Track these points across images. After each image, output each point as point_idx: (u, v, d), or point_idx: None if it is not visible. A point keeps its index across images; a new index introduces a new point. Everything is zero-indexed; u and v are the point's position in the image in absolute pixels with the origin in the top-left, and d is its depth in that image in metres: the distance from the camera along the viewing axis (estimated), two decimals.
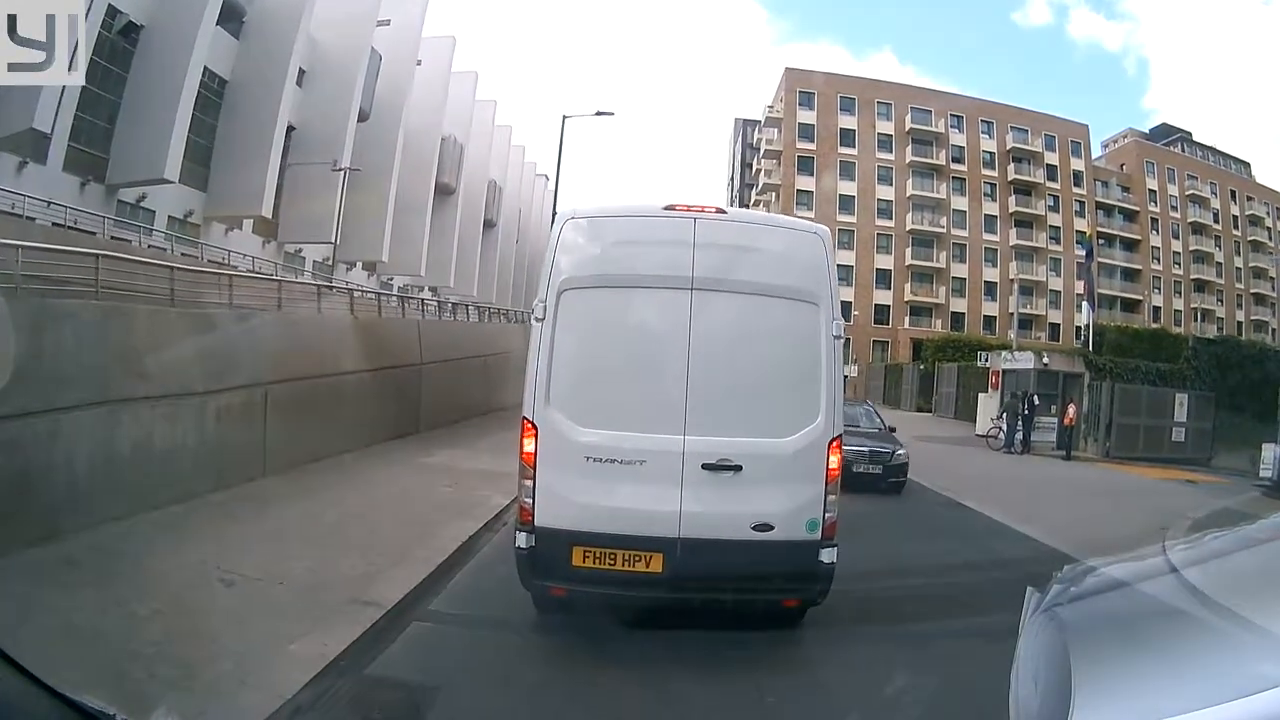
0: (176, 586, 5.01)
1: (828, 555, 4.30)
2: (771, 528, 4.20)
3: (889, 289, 52.60)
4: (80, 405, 6.14)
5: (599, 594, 4.25)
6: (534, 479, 4.29)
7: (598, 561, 4.18)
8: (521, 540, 4.30)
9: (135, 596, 4.61)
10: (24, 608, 4.25)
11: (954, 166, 54.07)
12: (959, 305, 53.21)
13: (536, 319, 4.36)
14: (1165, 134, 65.42)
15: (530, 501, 4.29)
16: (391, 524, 6.98)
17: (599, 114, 23.01)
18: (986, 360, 25.43)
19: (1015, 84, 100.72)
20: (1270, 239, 60.99)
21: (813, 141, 53.29)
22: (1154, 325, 47.49)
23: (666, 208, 4.41)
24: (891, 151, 53.62)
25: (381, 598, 4.97)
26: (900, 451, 11.54)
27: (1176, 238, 58.95)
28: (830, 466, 4.30)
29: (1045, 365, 21.72)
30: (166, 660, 3.82)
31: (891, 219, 53.01)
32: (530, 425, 4.31)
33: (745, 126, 65.95)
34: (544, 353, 4.31)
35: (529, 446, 4.31)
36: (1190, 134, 66.22)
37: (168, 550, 5.67)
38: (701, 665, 4.32)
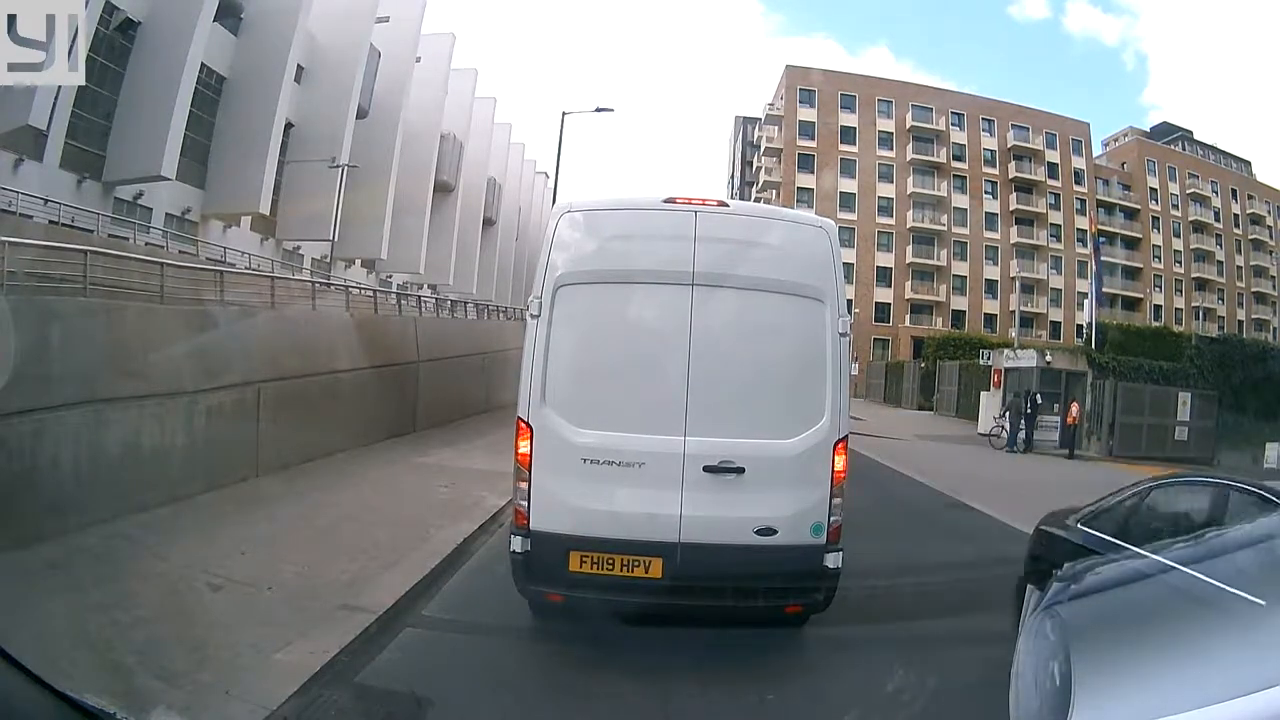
0: (162, 591, 4.89)
1: (833, 560, 4.17)
2: (775, 532, 4.07)
3: (890, 287, 52.47)
4: (66, 404, 6.01)
5: (597, 599, 4.10)
6: (529, 481, 4.16)
7: (595, 567, 4.05)
8: (517, 544, 4.16)
9: (118, 602, 4.47)
10: None
11: (955, 164, 53.90)
12: (960, 303, 53.07)
13: (532, 316, 4.21)
14: (1166, 132, 65.30)
15: (525, 504, 4.16)
16: (385, 526, 6.85)
17: (599, 110, 23.03)
18: (988, 358, 25.30)
19: (1013, 79, 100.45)
20: (1271, 237, 60.86)
21: (813, 139, 53.13)
22: (1155, 324, 47.29)
23: (666, 200, 4.27)
24: (892, 149, 53.48)
25: (373, 603, 4.85)
26: None
27: (1178, 236, 58.80)
28: (836, 469, 4.17)
29: (1048, 364, 21.62)
30: (148, 669, 3.70)
31: (892, 217, 52.90)
32: (525, 426, 4.17)
33: (745, 124, 65.80)
34: (539, 351, 4.17)
35: (524, 448, 4.18)
36: (1191, 132, 66.18)
37: (155, 553, 5.55)
38: (702, 668, 4.24)
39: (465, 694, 4.05)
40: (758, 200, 51.92)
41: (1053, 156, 55.46)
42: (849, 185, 52.54)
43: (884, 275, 52.44)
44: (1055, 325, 53.60)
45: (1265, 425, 18.96)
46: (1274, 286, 60.08)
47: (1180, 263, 58.47)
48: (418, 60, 35.39)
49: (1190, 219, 59.00)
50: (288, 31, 27.82)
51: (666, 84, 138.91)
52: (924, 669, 4.21)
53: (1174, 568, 1.69)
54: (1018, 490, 12.69)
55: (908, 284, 52.82)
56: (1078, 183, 56.27)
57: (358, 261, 34.36)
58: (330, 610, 4.68)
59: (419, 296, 24.56)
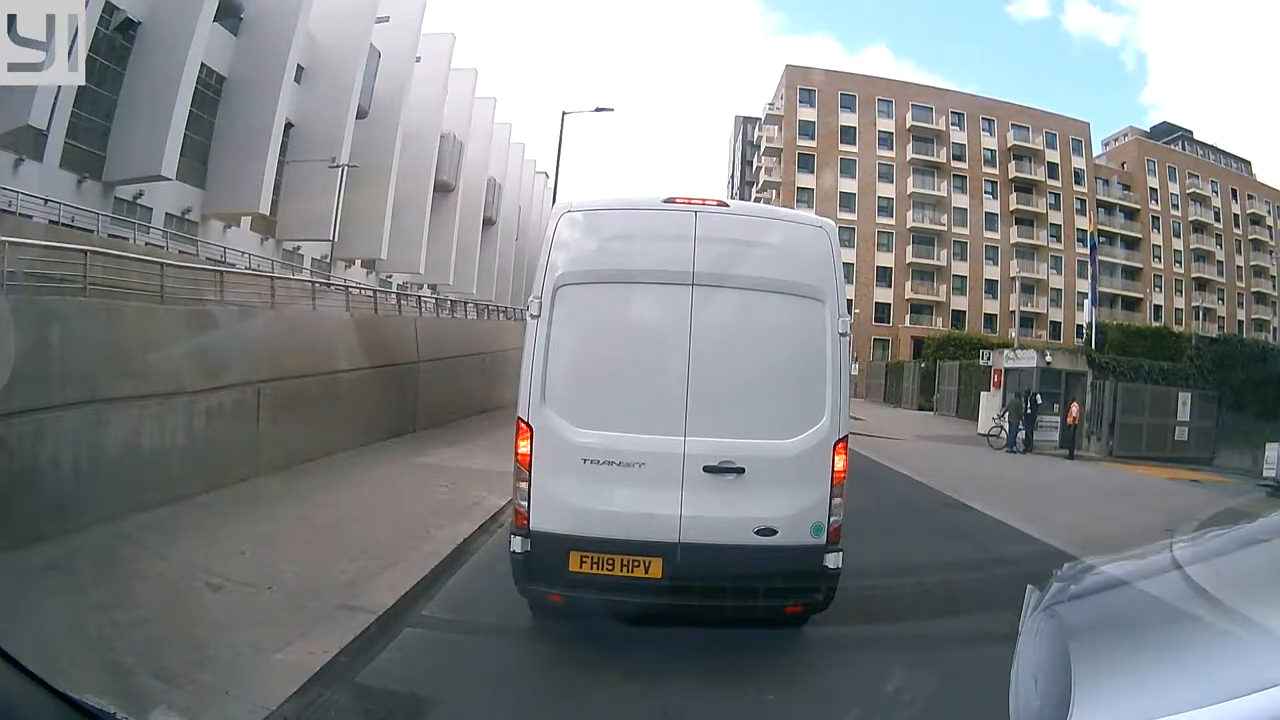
0: (162, 591, 4.88)
1: (833, 560, 4.17)
2: (775, 532, 4.06)
3: (890, 287, 52.52)
4: (66, 404, 6.00)
5: (597, 599, 4.10)
6: (529, 481, 4.15)
7: (595, 567, 4.04)
8: (517, 545, 4.16)
9: (118, 602, 4.46)
10: None
11: (955, 164, 53.95)
12: (960, 303, 53.11)
13: (532, 316, 4.21)
14: (1166, 132, 65.34)
15: (525, 505, 4.16)
16: (385, 526, 6.84)
17: (598, 110, 23.19)
18: (988, 359, 25.30)
19: (1013, 79, 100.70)
20: (1271, 237, 60.88)
21: (813, 139, 53.17)
22: (1155, 324, 47.27)
23: (666, 200, 4.27)
24: (892, 149, 53.52)
25: (373, 603, 4.84)
26: None
27: (1177, 236, 58.84)
28: (836, 469, 4.17)
29: (1048, 364, 21.61)
30: (147, 670, 3.69)
31: (892, 217, 52.93)
32: (525, 426, 4.16)
33: (745, 124, 65.85)
34: (539, 351, 4.17)
35: (524, 448, 4.17)
36: (1191, 132, 66.23)
37: (155, 553, 5.54)
38: (702, 668, 4.24)
39: (465, 694, 4.05)
40: (758, 200, 51.89)
41: (1053, 156, 55.50)
42: (849, 185, 52.57)
43: (884, 275, 52.48)
44: (1055, 325, 53.63)
45: (1265, 425, 18.90)
46: (1274, 286, 60.11)
47: (1180, 263, 58.49)
48: (418, 60, 35.40)
49: (1190, 219, 59.02)
50: (288, 31, 27.83)
51: (666, 84, 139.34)
52: (924, 669, 4.22)
53: (1176, 566, 1.68)
54: (1017, 490, 12.71)
55: (908, 284, 52.84)
56: (1078, 183, 56.29)
57: (358, 261, 34.37)
58: (330, 610, 4.67)
59: (419, 296, 24.57)
